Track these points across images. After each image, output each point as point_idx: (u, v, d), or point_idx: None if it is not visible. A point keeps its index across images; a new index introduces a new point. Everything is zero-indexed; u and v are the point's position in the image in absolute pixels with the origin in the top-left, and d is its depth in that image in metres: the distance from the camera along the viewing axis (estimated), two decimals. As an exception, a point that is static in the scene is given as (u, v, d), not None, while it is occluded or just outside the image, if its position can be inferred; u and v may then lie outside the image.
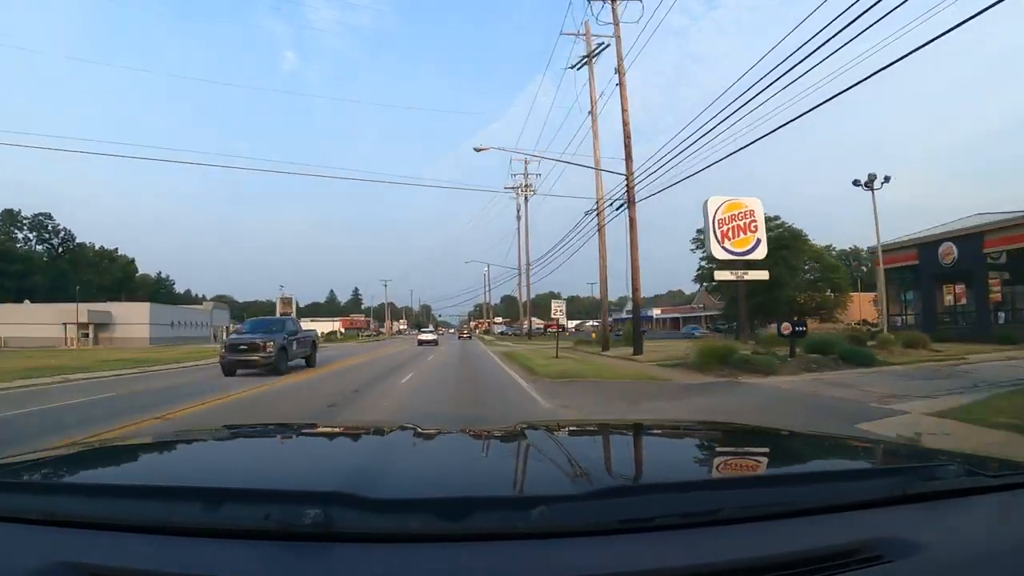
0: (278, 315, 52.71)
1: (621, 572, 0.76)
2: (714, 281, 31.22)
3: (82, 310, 54.12)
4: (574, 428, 2.24)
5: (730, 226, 21.21)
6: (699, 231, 29.93)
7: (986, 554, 0.84)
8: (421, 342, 38.17)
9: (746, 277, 21.34)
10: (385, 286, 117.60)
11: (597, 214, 23.52)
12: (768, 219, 28.78)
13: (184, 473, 1.32)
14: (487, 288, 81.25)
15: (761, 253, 21.46)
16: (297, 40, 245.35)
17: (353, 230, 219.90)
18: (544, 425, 1.94)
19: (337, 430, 1.98)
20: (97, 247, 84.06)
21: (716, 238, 21.09)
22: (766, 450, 1.65)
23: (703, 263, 36.49)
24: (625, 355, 20.42)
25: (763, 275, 21.59)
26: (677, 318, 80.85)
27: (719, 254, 21.29)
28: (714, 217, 21.11)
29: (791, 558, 0.79)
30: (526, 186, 46.40)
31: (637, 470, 1.32)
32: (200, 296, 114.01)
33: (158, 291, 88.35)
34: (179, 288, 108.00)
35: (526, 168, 44.91)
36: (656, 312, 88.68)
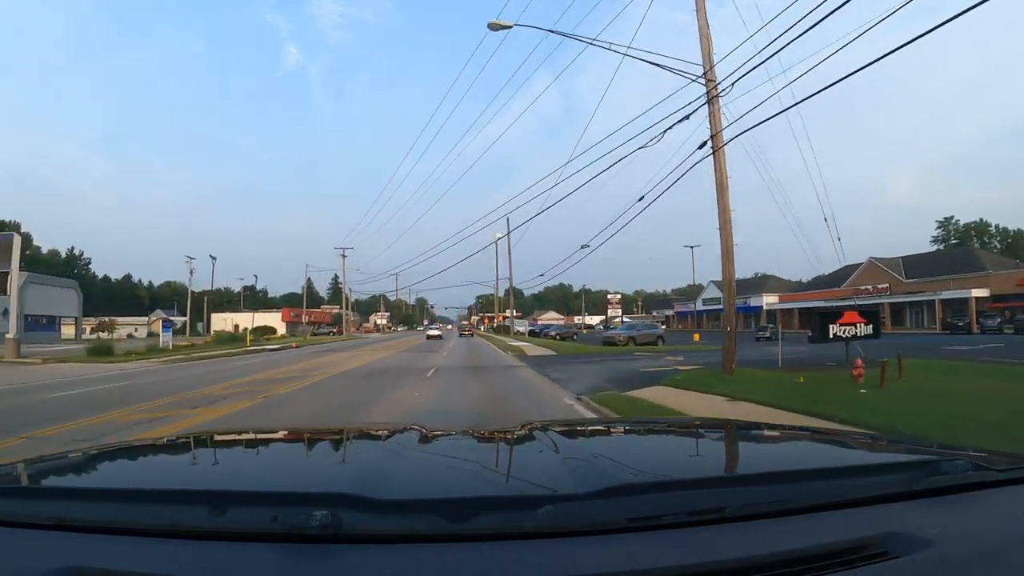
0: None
1: (629, 571, 0.76)
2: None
3: None
4: (579, 428, 2.24)
5: None
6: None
7: (994, 550, 0.83)
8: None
9: None
10: (343, 256, 64.18)
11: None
12: None
13: (191, 476, 1.32)
14: (504, 249, 48.35)
15: None
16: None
17: (339, 213, 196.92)
18: (550, 425, 1.94)
19: (344, 432, 1.99)
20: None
21: None
22: (772, 447, 1.65)
23: None
24: None
25: None
26: (811, 308, 44.03)
27: None
28: None
29: (797, 555, 0.79)
30: None
31: (643, 469, 1.31)
32: (146, 284, 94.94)
33: (66, 272, 67.50)
34: (116, 274, 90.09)
35: None
36: (769, 300, 59.66)
